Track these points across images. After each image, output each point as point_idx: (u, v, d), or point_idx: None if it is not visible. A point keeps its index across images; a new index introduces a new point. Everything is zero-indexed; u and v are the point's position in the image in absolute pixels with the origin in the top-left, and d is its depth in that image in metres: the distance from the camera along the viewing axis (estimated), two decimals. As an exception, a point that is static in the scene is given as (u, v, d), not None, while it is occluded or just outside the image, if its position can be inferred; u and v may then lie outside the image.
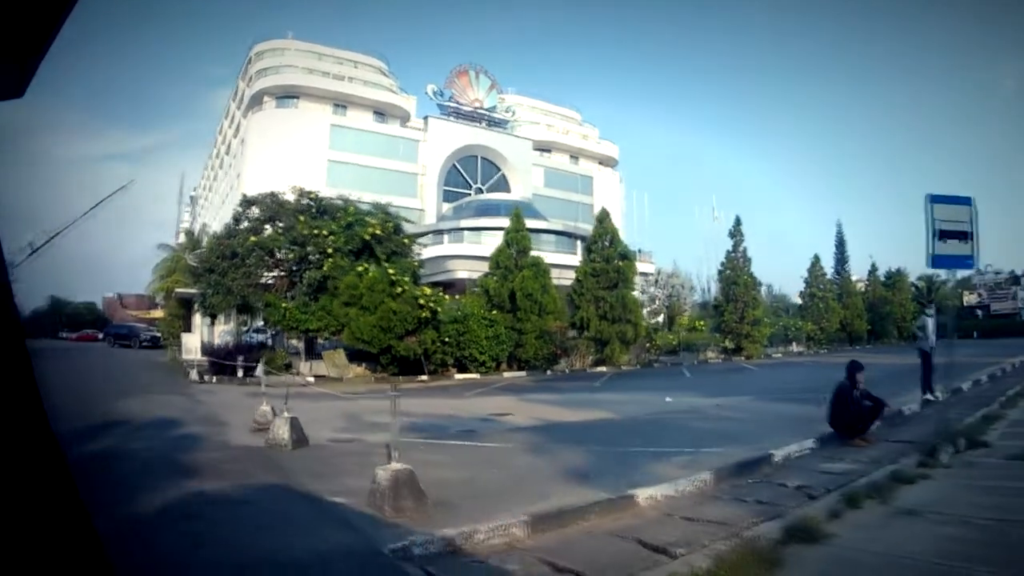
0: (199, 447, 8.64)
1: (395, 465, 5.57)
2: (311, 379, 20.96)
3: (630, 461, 7.59)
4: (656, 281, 49.70)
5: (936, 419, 9.56)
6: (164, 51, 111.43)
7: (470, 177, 59.95)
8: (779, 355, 31.71)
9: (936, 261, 7.57)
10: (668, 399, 14.78)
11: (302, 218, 22.56)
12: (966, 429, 8.62)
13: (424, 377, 22.58)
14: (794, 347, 31.88)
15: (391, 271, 21.10)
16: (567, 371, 26.73)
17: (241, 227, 23.74)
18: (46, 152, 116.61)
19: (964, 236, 7.47)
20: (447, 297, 23.64)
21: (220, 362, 18.51)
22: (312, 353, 24.11)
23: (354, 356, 23.42)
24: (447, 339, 23.04)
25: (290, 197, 24.05)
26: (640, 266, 48.85)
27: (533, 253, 26.41)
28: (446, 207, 55.02)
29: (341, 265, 21.78)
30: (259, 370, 10.71)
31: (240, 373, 19.11)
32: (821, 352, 34.92)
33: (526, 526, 4.78)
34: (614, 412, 12.99)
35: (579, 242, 48.99)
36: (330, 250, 21.91)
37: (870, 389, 8.80)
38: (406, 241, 24.57)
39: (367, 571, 4.26)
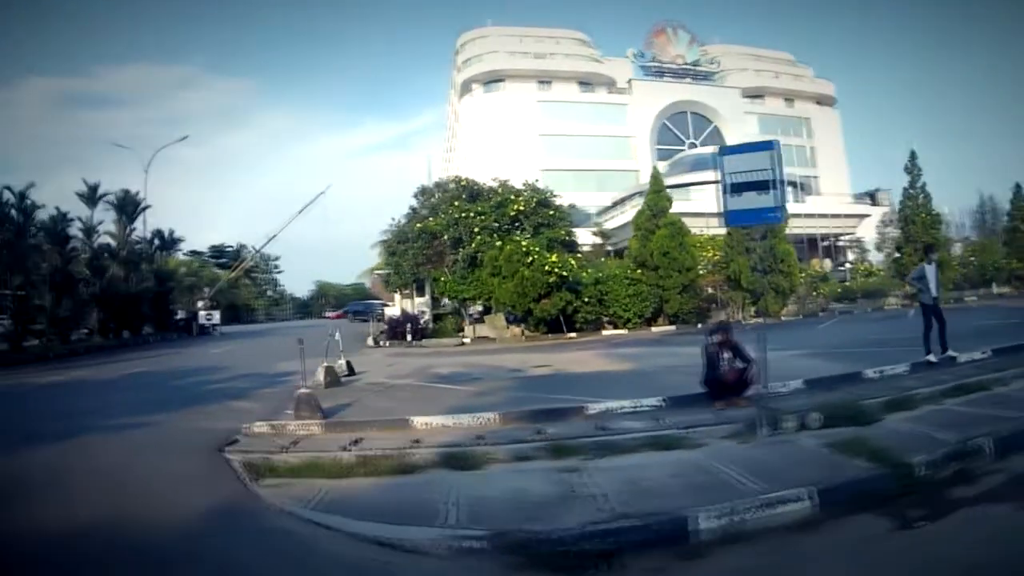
0: (270, 386, 12.81)
1: (302, 390, 8.94)
2: (467, 340, 25.36)
3: (530, 403, 9.00)
4: (891, 221, 45.58)
5: (873, 387, 8.41)
6: (407, 41, 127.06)
7: (682, 133, 59.69)
8: (973, 299, 27.16)
9: (732, 217, 7.03)
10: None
11: (456, 203, 26.85)
12: (882, 404, 7.26)
13: (572, 335, 25.38)
14: (994, 288, 26.84)
15: (523, 243, 24.26)
16: (718, 324, 27.02)
17: (421, 213, 29.00)
18: (310, 150, 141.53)
19: (765, 186, 6.69)
20: (573, 260, 25.82)
21: (392, 329, 23.65)
22: (483, 318, 28.50)
23: (513, 319, 27.27)
24: (588, 299, 25.54)
25: (452, 185, 28.57)
26: (870, 209, 45.12)
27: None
28: (660, 165, 55.58)
29: (487, 241, 25.62)
30: (337, 335, 14.44)
31: (409, 338, 24.16)
32: None
33: (322, 427, 7.81)
34: (642, 365, 14.07)
35: (798, 189, 46.45)
36: (476, 229, 25.86)
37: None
38: (551, 213, 27.38)
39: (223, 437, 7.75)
